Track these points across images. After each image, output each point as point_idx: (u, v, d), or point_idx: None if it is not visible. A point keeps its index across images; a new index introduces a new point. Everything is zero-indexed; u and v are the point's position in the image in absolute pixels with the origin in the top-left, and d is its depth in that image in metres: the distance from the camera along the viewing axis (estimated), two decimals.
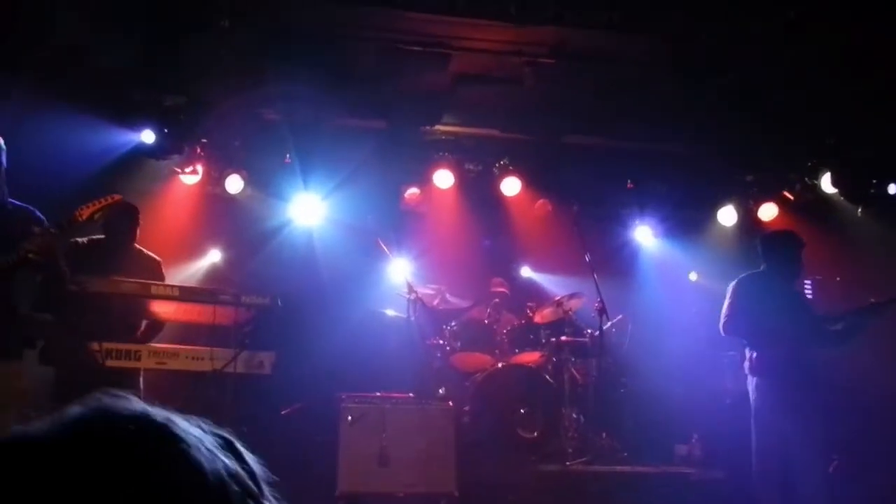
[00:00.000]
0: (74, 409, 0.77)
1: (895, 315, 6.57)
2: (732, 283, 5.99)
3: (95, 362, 5.00)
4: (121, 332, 5.21)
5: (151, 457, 0.74)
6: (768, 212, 8.57)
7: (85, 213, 4.40)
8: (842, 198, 8.29)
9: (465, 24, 6.40)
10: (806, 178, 8.48)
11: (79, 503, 0.70)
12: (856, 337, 5.79)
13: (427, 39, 6.64)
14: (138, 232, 5.54)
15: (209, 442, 0.79)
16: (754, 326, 5.81)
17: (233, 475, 0.78)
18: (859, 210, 8.35)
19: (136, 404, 0.80)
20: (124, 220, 5.31)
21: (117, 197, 4.74)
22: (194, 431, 0.79)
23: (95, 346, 5.01)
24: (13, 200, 4.29)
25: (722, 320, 5.89)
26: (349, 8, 6.24)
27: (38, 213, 4.32)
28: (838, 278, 7.94)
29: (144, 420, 0.78)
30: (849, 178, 8.15)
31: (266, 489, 0.82)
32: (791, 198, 8.62)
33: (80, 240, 5.33)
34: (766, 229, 7.84)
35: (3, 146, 4.22)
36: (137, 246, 5.53)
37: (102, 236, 5.40)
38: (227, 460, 0.79)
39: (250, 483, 0.79)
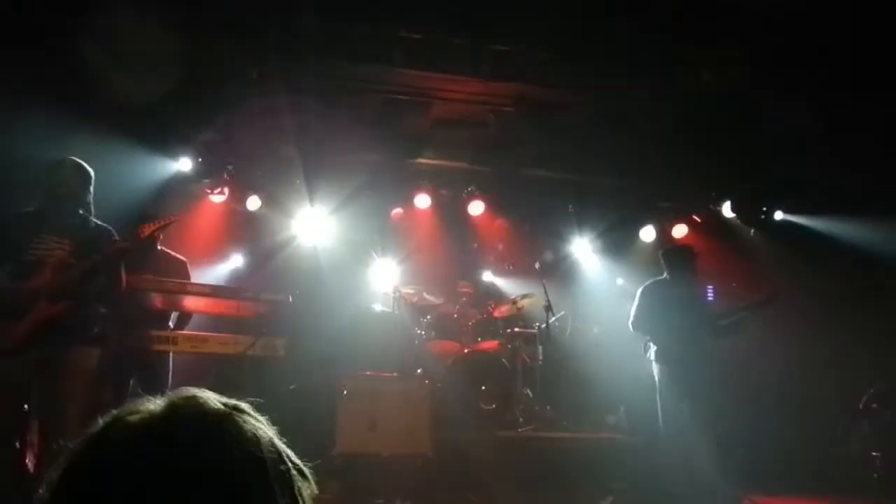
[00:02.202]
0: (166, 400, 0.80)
1: (772, 313, 6.79)
2: (639, 289, 6.12)
3: (140, 346, 5.01)
4: (159, 322, 5.22)
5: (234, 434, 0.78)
6: (680, 231, 8.69)
7: (147, 230, 4.32)
8: (739, 221, 8.51)
9: (445, 79, 6.48)
10: (710, 205, 8.64)
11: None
12: (740, 329, 5.92)
13: (413, 90, 6.70)
14: (162, 237, 5.54)
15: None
16: (654, 324, 5.95)
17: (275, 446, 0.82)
18: (752, 231, 8.56)
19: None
20: None
21: (173, 217, 4.67)
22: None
23: (142, 333, 5.03)
24: (97, 221, 4.28)
25: (630, 319, 6.03)
26: (352, 64, 6.28)
27: (115, 234, 4.29)
28: (734, 284, 8.08)
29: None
30: (744, 206, 8.37)
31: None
32: (699, 220, 8.77)
33: None
34: (673, 244, 8.00)
35: (89, 175, 4.20)
36: (163, 248, 5.51)
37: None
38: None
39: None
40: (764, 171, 7.77)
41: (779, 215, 8.37)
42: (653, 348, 5.99)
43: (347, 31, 5.59)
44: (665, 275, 6.13)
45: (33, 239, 4.01)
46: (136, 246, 4.29)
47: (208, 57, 5.75)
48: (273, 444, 0.81)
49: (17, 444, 4.04)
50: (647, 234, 8.86)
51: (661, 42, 5.66)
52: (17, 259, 3.97)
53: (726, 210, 8.36)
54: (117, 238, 4.23)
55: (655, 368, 5.95)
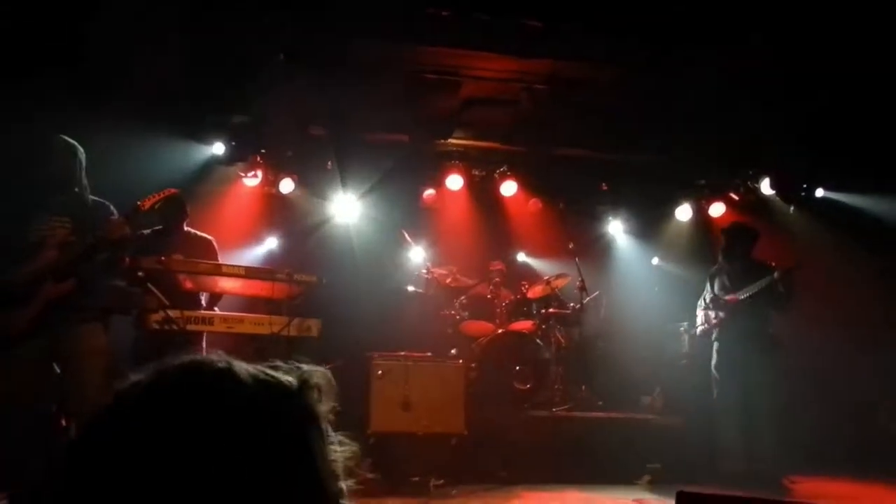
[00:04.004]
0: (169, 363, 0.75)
1: (833, 298, 6.78)
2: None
3: (176, 327, 5.08)
4: (190, 302, 5.29)
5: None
6: (717, 210, 8.53)
7: (147, 203, 4.40)
8: (777, 199, 8.31)
9: (475, 56, 6.41)
10: (748, 183, 8.46)
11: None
12: (772, 300, 5.94)
13: (443, 69, 6.65)
14: (187, 217, 5.62)
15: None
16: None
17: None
18: (791, 208, 8.36)
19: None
20: (174, 208, 5.37)
21: (172, 190, 4.76)
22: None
23: (177, 313, 5.10)
24: (93, 197, 4.33)
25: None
26: (383, 44, 6.25)
27: (112, 207, 4.32)
28: (773, 263, 7.93)
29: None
30: (784, 182, 8.16)
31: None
32: (736, 198, 8.60)
33: (145, 231, 5.41)
34: (718, 224, 7.87)
35: (78, 152, 4.21)
36: (188, 228, 5.59)
37: (160, 226, 5.49)
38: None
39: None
40: (804, 147, 7.56)
41: (819, 192, 8.16)
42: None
43: (373, 9, 5.54)
44: (720, 255, 6.22)
45: (33, 219, 4.05)
46: (135, 219, 4.34)
47: (236, 40, 5.76)
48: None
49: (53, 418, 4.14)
50: (684, 212, 8.70)
51: (696, 15, 5.51)
52: (16, 244, 3.99)
53: (765, 187, 8.16)
54: (115, 213, 4.27)
55: (714, 346, 6.19)
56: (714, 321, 6.19)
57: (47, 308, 3.97)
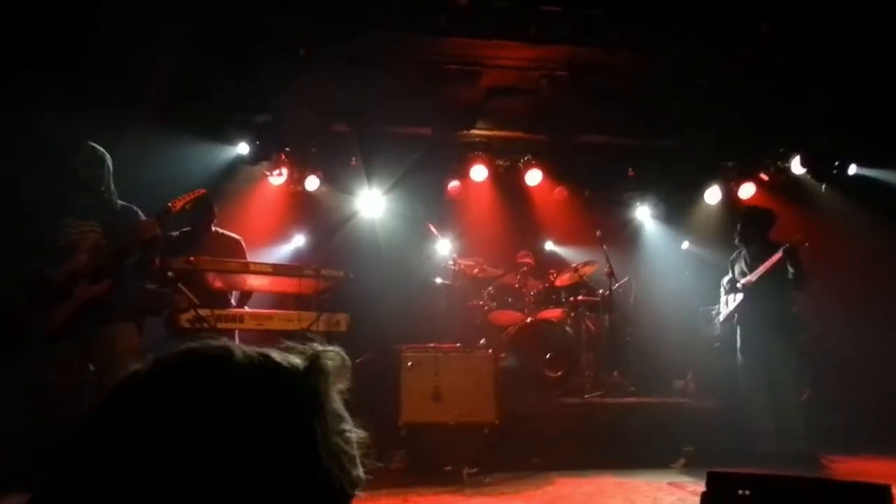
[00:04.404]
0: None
1: (868, 281, 6.66)
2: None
3: (207, 326, 5.16)
4: (220, 301, 5.37)
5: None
6: (747, 191, 8.38)
7: (178, 203, 4.51)
8: (809, 177, 8.14)
9: (494, 45, 6.38)
10: (778, 162, 8.30)
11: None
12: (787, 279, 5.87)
13: (463, 59, 6.64)
14: (215, 217, 5.69)
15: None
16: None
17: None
18: (823, 187, 8.18)
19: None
20: (201, 209, 5.43)
21: (202, 191, 4.84)
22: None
23: (208, 312, 5.17)
24: (121, 201, 4.42)
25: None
26: (400, 36, 6.26)
27: (140, 212, 4.43)
28: (806, 244, 7.80)
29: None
30: (815, 160, 7.99)
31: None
32: (766, 178, 8.45)
33: (173, 234, 5.49)
34: (745, 206, 7.72)
35: (105, 157, 4.31)
36: (216, 228, 5.67)
37: (188, 228, 5.57)
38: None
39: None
40: (835, 123, 7.39)
41: (852, 169, 7.97)
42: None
43: (390, 1, 5.55)
44: (736, 239, 6.15)
45: (61, 224, 4.15)
46: (165, 220, 4.42)
47: (255, 37, 5.81)
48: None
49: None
50: (713, 195, 8.58)
51: None
52: (49, 245, 4.11)
53: (795, 166, 7.97)
54: (142, 217, 4.35)
55: (738, 331, 6.12)
56: (734, 305, 6.13)
57: (81, 309, 4.07)
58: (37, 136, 5.04)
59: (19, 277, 4.10)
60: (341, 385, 0.79)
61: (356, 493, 0.75)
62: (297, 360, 0.76)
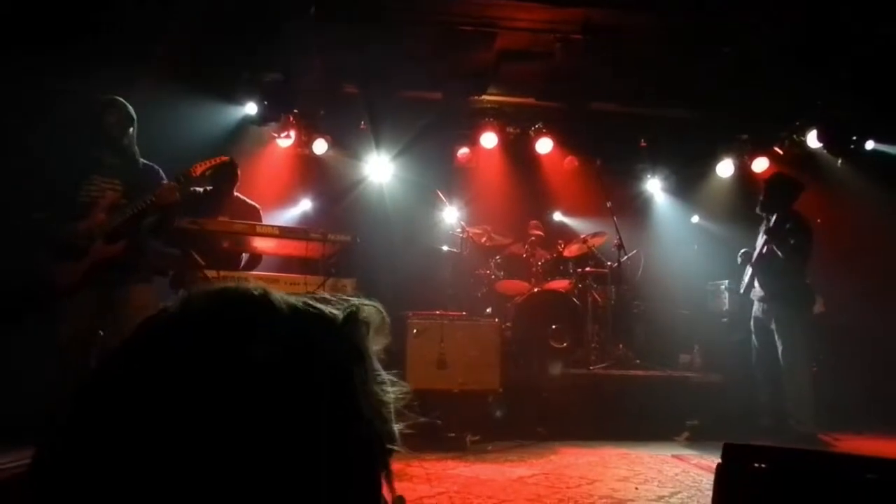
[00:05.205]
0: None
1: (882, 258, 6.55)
2: None
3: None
4: (229, 263, 5.33)
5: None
6: (760, 165, 8.25)
7: (199, 168, 4.53)
8: (825, 152, 7.99)
9: (510, 5, 6.26)
10: (794, 136, 8.16)
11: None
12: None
13: (478, 20, 6.50)
14: (238, 183, 5.65)
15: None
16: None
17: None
18: (839, 162, 8.03)
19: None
20: (226, 174, 5.44)
21: (224, 157, 4.90)
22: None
23: (213, 273, 5.14)
24: (143, 160, 4.38)
25: None
26: None
27: (162, 172, 4.42)
28: (819, 220, 7.71)
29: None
30: (831, 134, 7.82)
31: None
32: (781, 152, 8.31)
33: (197, 189, 5.46)
34: (761, 179, 7.57)
35: (135, 116, 4.29)
36: (238, 194, 5.65)
37: (211, 187, 5.53)
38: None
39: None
40: (853, 96, 7.22)
41: (870, 144, 7.82)
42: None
43: None
44: (758, 206, 5.97)
45: (84, 180, 4.14)
46: (186, 184, 4.40)
47: None
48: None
49: None
50: (725, 168, 8.45)
51: None
52: (69, 200, 4.10)
53: (811, 140, 7.82)
54: (164, 179, 4.33)
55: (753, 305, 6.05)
56: (748, 277, 6.02)
57: (95, 267, 4.06)
58: (63, 97, 4.99)
59: (48, 242, 4.08)
60: (380, 340, 0.75)
61: (394, 447, 0.71)
62: (336, 311, 0.72)
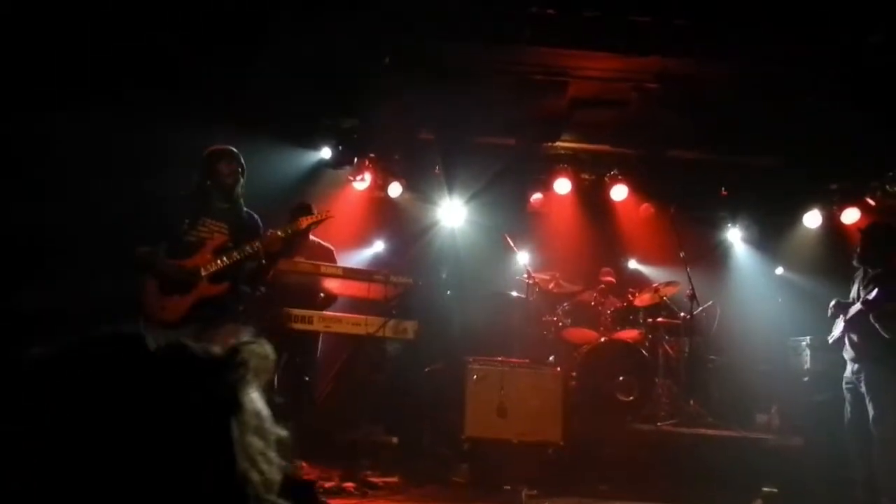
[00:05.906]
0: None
1: None
2: None
3: (282, 324, 5.25)
4: (301, 302, 5.45)
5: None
6: (851, 216, 7.81)
7: (304, 223, 4.68)
8: None
9: (582, 55, 6.24)
10: (887, 186, 7.71)
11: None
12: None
13: (547, 70, 6.51)
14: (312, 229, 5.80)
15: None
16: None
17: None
18: None
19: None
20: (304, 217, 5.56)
21: (331, 214, 5.02)
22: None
23: (284, 311, 5.28)
24: (246, 208, 4.56)
25: None
26: (488, 46, 6.18)
27: (260, 221, 4.59)
28: None
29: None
30: None
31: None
32: (873, 203, 7.86)
33: (277, 232, 5.63)
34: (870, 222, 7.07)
35: (244, 166, 4.48)
36: (314, 238, 5.78)
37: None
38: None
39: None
40: None
41: None
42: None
43: (477, 9, 5.50)
44: (854, 258, 5.55)
45: (194, 221, 4.33)
46: (293, 239, 4.53)
47: (342, 44, 5.87)
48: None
49: None
50: (812, 219, 8.04)
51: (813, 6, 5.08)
52: (177, 238, 4.29)
53: None
54: (261, 226, 4.48)
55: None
56: (838, 332, 5.58)
57: (197, 304, 4.21)
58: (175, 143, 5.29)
59: (154, 269, 4.26)
60: (264, 379, 0.75)
61: (271, 497, 0.70)
62: (217, 351, 0.73)
